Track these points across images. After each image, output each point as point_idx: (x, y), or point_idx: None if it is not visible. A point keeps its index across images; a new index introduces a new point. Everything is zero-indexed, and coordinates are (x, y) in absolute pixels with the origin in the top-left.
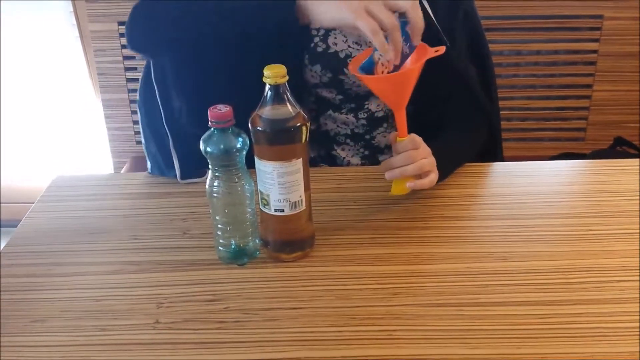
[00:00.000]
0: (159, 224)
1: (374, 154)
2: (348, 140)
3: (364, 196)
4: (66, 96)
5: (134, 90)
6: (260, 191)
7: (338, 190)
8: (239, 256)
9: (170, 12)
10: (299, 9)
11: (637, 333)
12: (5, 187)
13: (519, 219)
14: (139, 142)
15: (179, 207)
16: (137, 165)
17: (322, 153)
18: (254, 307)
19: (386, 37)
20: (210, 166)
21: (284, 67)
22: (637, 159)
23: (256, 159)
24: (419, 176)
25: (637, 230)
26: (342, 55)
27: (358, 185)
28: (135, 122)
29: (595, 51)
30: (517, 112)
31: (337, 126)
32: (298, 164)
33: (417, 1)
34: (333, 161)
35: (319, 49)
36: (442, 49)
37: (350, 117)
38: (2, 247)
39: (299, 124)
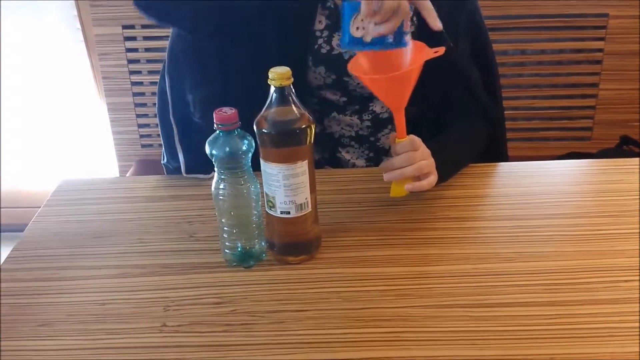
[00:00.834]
0: (165, 227)
1: (379, 156)
2: (353, 143)
3: (370, 198)
4: (71, 100)
5: (139, 94)
6: (266, 193)
7: (343, 192)
8: (245, 259)
9: None
10: None
11: None
12: (10, 191)
13: (526, 220)
14: (144, 146)
15: (185, 210)
16: (143, 168)
17: (326, 155)
18: (261, 310)
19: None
20: (216, 169)
21: (289, 69)
22: None
23: (262, 161)
24: (418, 178)
25: None
26: (346, 57)
27: (363, 187)
28: (140, 126)
29: (600, 50)
30: (522, 111)
31: (342, 128)
32: (304, 165)
33: None
34: (338, 163)
35: (323, 51)
36: (441, 50)
37: (355, 119)
38: (9, 252)
39: (304, 126)
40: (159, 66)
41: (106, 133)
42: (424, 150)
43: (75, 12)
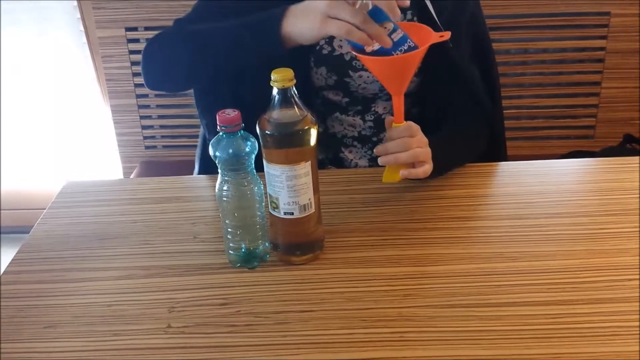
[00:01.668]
0: (169, 229)
1: None
2: (355, 143)
3: (373, 198)
4: (75, 102)
5: (143, 96)
6: (269, 194)
7: (347, 193)
8: (249, 260)
9: (179, 53)
10: (283, 39)
11: None
12: (14, 192)
13: (529, 219)
14: (148, 147)
15: (189, 212)
16: (147, 170)
17: (329, 156)
18: (265, 311)
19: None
20: (219, 170)
21: (291, 70)
22: None
23: (265, 163)
24: (413, 165)
25: None
26: (347, 57)
27: (366, 187)
28: (144, 127)
29: (602, 48)
30: (525, 110)
31: (345, 129)
32: (307, 167)
33: None
34: (341, 164)
35: (324, 52)
36: (447, 34)
37: (357, 119)
38: (14, 254)
39: (307, 127)
40: None
41: (110, 135)
42: (421, 137)
43: (79, 15)
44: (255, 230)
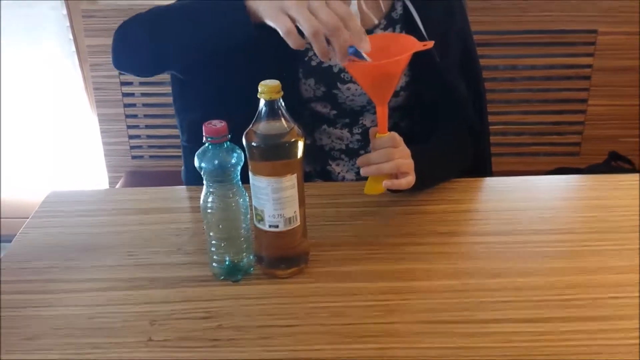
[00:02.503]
0: (152, 240)
1: None
2: (343, 156)
3: (359, 212)
4: (62, 110)
5: (130, 105)
6: (254, 207)
7: (333, 206)
8: (233, 272)
9: (145, 30)
10: (249, 11)
11: (635, 350)
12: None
13: (514, 235)
14: (134, 157)
15: (173, 223)
16: (132, 180)
17: (317, 168)
18: (248, 325)
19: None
20: (204, 181)
21: (278, 82)
22: (632, 175)
23: (250, 175)
24: (396, 176)
25: (633, 247)
26: (335, 69)
27: (353, 201)
28: (131, 137)
29: (590, 66)
30: (512, 126)
31: (332, 141)
32: (293, 179)
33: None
34: (328, 176)
35: (313, 63)
36: (430, 43)
37: (345, 132)
38: None
39: (293, 140)
40: (150, 78)
41: (97, 144)
42: (403, 148)
43: (68, 23)
44: (239, 242)
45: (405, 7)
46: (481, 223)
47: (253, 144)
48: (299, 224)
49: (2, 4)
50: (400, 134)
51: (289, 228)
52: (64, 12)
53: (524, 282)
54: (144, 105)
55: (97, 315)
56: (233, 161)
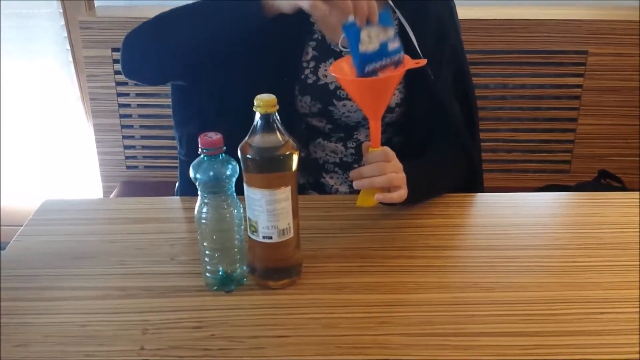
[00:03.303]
0: (146, 250)
1: None
2: (337, 169)
3: (352, 224)
4: (58, 120)
5: (126, 116)
6: (248, 218)
7: (326, 218)
8: (226, 283)
9: (154, 33)
10: (265, 5)
11: None
12: None
13: (504, 250)
14: (129, 167)
15: (167, 233)
16: (127, 189)
17: (311, 180)
18: (240, 335)
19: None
20: (199, 192)
21: (274, 96)
22: (621, 192)
23: (245, 186)
24: (388, 190)
25: (621, 263)
26: (331, 87)
27: (346, 214)
28: (126, 147)
29: (579, 86)
30: (503, 144)
31: (326, 154)
32: (287, 191)
33: None
34: (322, 188)
35: (309, 81)
36: (422, 61)
37: (340, 146)
38: None
39: (288, 153)
40: (147, 89)
41: (92, 153)
42: (396, 163)
43: (65, 34)
44: (233, 253)
45: (400, 25)
46: (472, 238)
47: (248, 156)
48: (292, 235)
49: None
50: (393, 149)
51: (283, 239)
52: (62, 23)
53: (514, 297)
54: (140, 116)
55: (89, 323)
56: (228, 173)
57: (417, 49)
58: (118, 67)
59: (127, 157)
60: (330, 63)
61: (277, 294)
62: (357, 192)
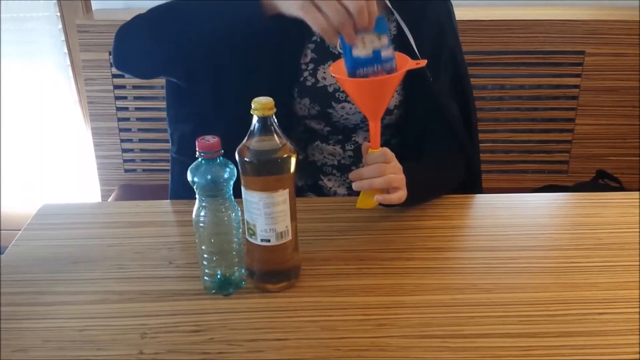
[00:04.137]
0: (144, 254)
1: None
2: (335, 171)
3: (350, 226)
4: (56, 124)
5: (124, 119)
6: (246, 221)
7: (324, 221)
8: (224, 286)
9: (147, 25)
10: (264, 4)
11: None
12: None
13: (503, 251)
14: (127, 171)
15: (165, 237)
16: (125, 193)
17: (309, 182)
18: (239, 338)
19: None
20: (197, 196)
21: (271, 99)
22: (619, 192)
23: (243, 189)
24: (387, 191)
25: (619, 263)
26: (330, 89)
27: (344, 216)
28: (124, 151)
29: (577, 86)
30: (500, 144)
31: (325, 157)
32: (285, 194)
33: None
34: (320, 191)
35: (308, 83)
36: (422, 62)
37: (338, 148)
38: None
39: (285, 156)
40: (145, 92)
41: (90, 157)
42: (395, 164)
43: (63, 38)
44: (231, 256)
45: (399, 27)
46: (471, 239)
47: (246, 159)
48: (290, 238)
49: None
50: (392, 151)
51: (281, 242)
52: (60, 26)
53: (512, 298)
54: (138, 119)
55: (87, 327)
56: (226, 176)
57: (416, 51)
58: (116, 70)
59: (125, 161)
60: (329, 65)
61: (276, 296)
62: (356, 194)
